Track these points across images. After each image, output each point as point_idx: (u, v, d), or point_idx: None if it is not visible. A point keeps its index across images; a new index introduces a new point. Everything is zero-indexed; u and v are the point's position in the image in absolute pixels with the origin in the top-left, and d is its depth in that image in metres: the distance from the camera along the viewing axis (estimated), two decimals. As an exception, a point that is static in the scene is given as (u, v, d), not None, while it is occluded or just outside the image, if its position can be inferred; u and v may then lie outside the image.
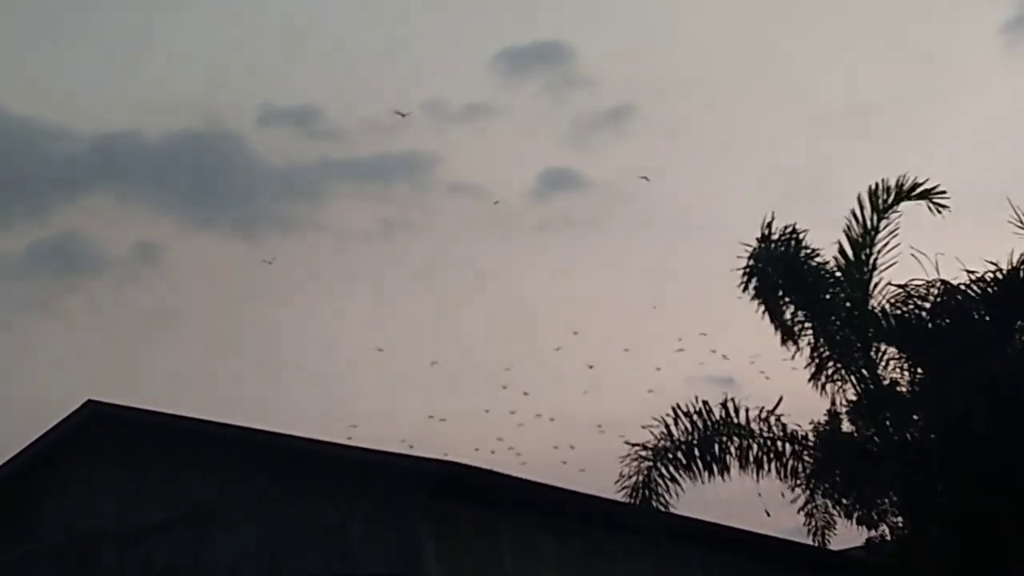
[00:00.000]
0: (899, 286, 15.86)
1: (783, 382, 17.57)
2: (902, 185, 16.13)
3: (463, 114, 44.81)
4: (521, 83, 47.83)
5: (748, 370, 23.86)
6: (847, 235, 16.10)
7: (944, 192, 16.24)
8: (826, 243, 16.45)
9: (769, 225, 16.27)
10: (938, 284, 15.80)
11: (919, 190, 16.18)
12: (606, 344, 29.69)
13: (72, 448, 21.74)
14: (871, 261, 16.03)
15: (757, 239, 16.24)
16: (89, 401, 21.34)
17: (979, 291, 15.78)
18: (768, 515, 17.02)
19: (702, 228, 39.09)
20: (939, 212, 16.19)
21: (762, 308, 16.06)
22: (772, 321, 16.05)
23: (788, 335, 15.96)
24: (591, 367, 24.80)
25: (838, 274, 16.05)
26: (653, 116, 44.05)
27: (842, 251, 16.09)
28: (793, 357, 16.13)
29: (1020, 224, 15.61)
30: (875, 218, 16.04)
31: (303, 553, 19.07)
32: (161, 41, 43.82)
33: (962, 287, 15.80)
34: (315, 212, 43.61)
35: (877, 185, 16.14)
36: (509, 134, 43.43)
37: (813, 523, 16.56)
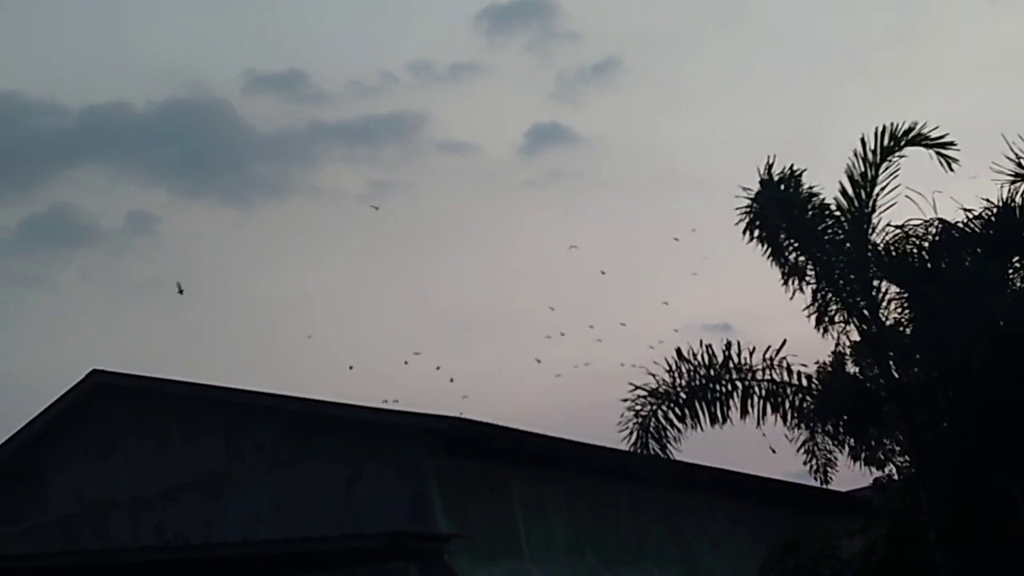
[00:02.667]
0: (897, 226, 15.90)
1: (782, 329, 17.64)
2: (903, 131, 16.07)
3: (449, 73, 44.86)
4: (505, 40, 47.94)
5: (744, 318, 23.94)
6: (848, 176, 16.08)
7: (946, 138, 16.14)
8: (819, 187, 16.45)
9: (770, 167, 16.23)
10: (936, 223, 15.86)
11: (919, 136, 16.10)
12: (599, 298, 29.72)
13: (79, 418, 21.85)
14: (871, 203, 16.01)
15: (759, 182, 16.19)
16: (94, 371, 21.44)
17: (975, 229, 15.82)
18: (774, 452, 17.03)
19: (692, 178, 39.15)
20: (944, 161, 16.11)
21: (767, 251, 16.03)
22: (776, 263, 16.02)
23: (792, 276, 15.95)
24: (591, 327, 24.71)
25: (838, 215, 16.04)
26: (639, 68, 44.06)
27: (843, 192, 16.07)
28: (792, 298, 16.14)
29: (1016, 160, 15.60)
30: (877, 159, 16.00)
31: (313, 514, 19.20)
32: (144, 11, 43.72)
33: (959, 225, 15.85)
34: (306, 176, 43.63)
35: (881, 129, 16.05)
36: (496, 91, 43.46)
37: (815, 462, 16.63)
